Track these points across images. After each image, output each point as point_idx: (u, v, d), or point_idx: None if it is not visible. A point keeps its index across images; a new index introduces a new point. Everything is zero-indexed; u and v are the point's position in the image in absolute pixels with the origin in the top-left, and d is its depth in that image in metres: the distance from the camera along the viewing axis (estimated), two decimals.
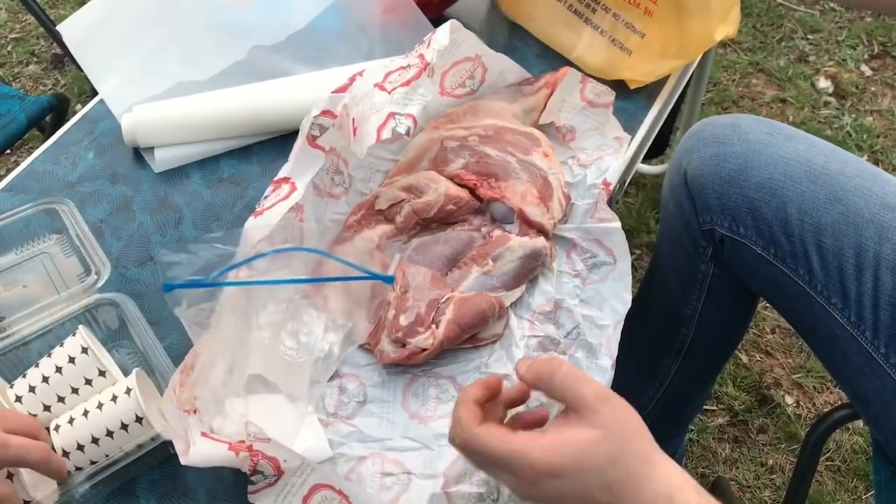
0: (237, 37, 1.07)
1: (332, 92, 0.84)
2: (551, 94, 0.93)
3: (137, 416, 0.65)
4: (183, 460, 0.61)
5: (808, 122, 1.96)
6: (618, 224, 0.85)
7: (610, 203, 0.96)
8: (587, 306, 0.84)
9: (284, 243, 0.72)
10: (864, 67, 2.09)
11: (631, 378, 1.13)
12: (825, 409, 1.47)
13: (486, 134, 0.90)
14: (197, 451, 0.61)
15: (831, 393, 1.50)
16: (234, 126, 0.98)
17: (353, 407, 0.77)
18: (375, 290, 0.82)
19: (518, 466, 0.54)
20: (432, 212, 0.85)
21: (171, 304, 0.66)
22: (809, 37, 2.16)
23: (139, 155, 0.99)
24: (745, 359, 1.54)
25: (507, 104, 0.94)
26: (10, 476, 0.63)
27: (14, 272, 0.80)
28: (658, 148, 1.69)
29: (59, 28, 1.10)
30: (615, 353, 0.82)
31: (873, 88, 2.04)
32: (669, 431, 1.20)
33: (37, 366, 0.69)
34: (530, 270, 0.84)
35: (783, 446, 1.43)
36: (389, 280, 0.69)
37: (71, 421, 0.65)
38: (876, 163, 1.86)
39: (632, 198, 1.80)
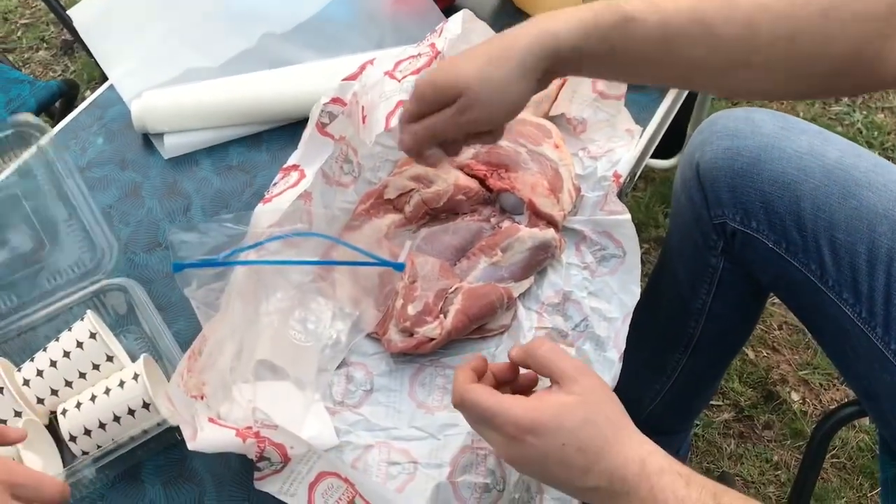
0: (247, 24, 1.07)
1: (342, 80, 0.84)
2: (562, 85, 0.93)
3: (144, 402, 0.65)
4: (190, 445, 0.61)
5: (818, 119, 1.95)
6: (628, 216, 0.85)
7: (620, 195, 0.96)
8: (596, 299, 0.84)
9: (294, 229, 0.72)
10: None
11: (638, 371, 1.12)
12: (831, 407, 1.46)
13: None
14: (204, 437, 0.61)
15: (838, 390, 1.49)
16: (244, 113, 0.98)
17: (359, 395, 0.77)
18: (384, 278, 0.82)
19: (502, 421, 0.58)
20: (441, 202, 0.85)
21: (181, 283, 0.66)
22: None
23: (148, 141, 0.99)
24: (751, 354, 1.53)
25: None
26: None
27: None
28: (674, 146, 1.67)
29: (70, 13, 1.10)
30: (623, 346, 0.81)
31: None
32: (676, 425, 1.20)
33: (45, 350, 0.69)
34: (539, 262, 0.83)
35: (788, 443, 1.43)
36: (400, 267, 0.68)
37: (78, 405, 0.65)
38: (887, 160, 1.84)
39: (640, 192, 1.80)
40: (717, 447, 1.42)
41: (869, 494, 1.36)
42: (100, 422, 0.65)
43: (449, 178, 0.86)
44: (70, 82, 1.40)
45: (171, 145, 0.97)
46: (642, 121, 0.99)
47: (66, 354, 0.68)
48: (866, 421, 1.42)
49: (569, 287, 0.84)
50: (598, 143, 0.93)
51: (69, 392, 0.67)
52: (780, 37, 0.62)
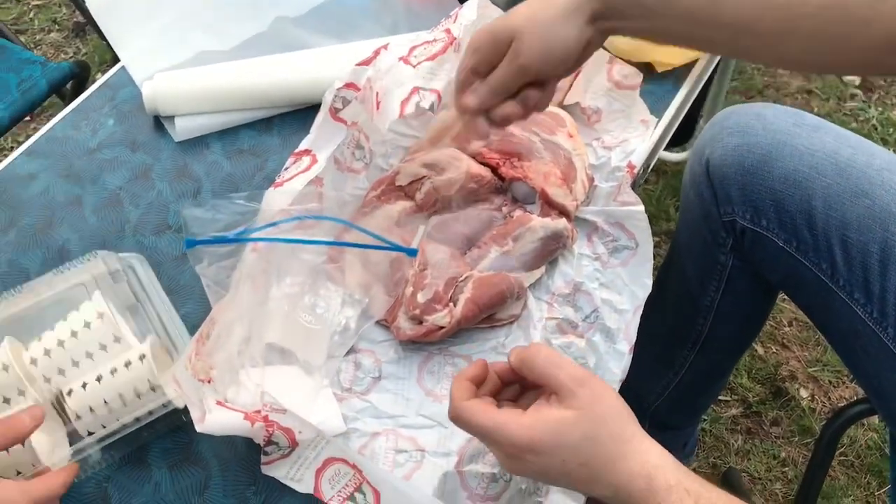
0: (260, 8, 1.06)
1: (356, 64, 0.83)
2: (577, 74, 0.92)
3: (150, 384, 0.65)
4: (199, 427, 0.61)
5: (833, 115, 1.93)
6: (641, 208, 0.84)
7: (633, 187, 0.95)
8: (607, 290, 0.83)
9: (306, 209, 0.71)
10: None
11: (646, 366, 1.11)
12: (840, 404, 1.45)
13: None
14: (213, 419, 0.61)
15: (847, 388, 1.48)
16: (256, 97, 0.97)
17: (367, 383, 0.77)
18: (394, 264, 0.81)
19: (499, 440, 0.58)
20: (453, 190, 0.84)
21: (193, 260, 0.65)
22: None
23: (159, 123, 0.99)
24: (760, 350, 1.53)
25: None
26: (21, 441, 0.62)
27: None
28: (684, 135, 1.66)
29: None
30: (633, 338, 0.81)
31: None
32: (682, 421, 1.19)
33: (52, 329, 0.69)
34: (551, 252, 0.83)
35: (796, 439, 1.42)
36: (413, 253, 0.68)
37: (84, 385, 0.65)
38: None
39: (652, 185, 1.79)
40: (725, 443, 1.42)
41: (877, 493, 1.36)
42: (105, 402, 0.65)
43: (461, 166, 0.85)
44: (82, 64, 1.40)
45: (182, 128, 0.96)
46: (657, 112, 0.98)
47: (74, 334, 0.68)
48: (875, 419, 1.41)
49: (580, 278, 0.83)
50: (612, 133, 0.92)
51: (76, 372, 0.67)
52: (829, 4, 0.60)
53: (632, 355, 0.80)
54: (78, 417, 0.64)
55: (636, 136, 0.90)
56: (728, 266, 0.94)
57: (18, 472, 0.64)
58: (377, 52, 0.85)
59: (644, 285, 0.83)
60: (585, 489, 0.60)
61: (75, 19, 2.18)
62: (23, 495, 0.58)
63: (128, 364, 0.66)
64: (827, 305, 0.85)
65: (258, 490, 0.70)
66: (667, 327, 1.06)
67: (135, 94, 1.00)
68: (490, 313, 0.79)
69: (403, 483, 0.66)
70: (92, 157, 0.96)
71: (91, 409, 0.64)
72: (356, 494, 0.66)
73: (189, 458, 0.73)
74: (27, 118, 1.55)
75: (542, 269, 0.83)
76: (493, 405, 0.60)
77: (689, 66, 1.03)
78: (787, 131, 0.86)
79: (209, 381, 0.67)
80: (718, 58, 1.13)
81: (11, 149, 0.98)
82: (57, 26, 2.21)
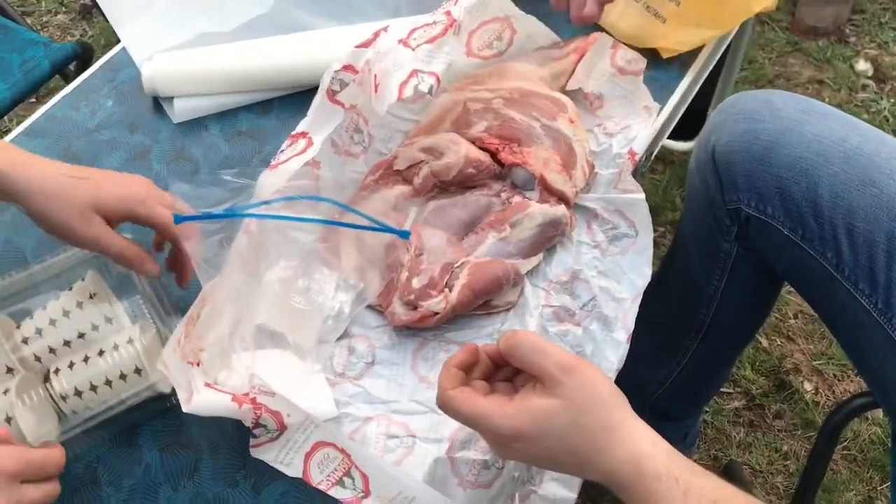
0: None
1: (355, 47, 0.82)
2: (580, 59, 0.91)
3: (137, 367, 0.65)
4: (185, 408, 0.60)
5: (844, 105, 1.91)
6: (642, 196, 0.83)
7: (635, 174, 0.94)
8: (605, 278, 0.82)
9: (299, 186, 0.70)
10: None
11: (648, 355, 1.11)
12: (844, 398, 1.44)
13: (511, 97, 0.87)
14: (200, 399, 0.60)
15: (851, 381, 1.47)
16: (255, 79, 0.97)
17: (361, 368, 0.76)
18: (389, 249, 0.80)
19: (484, 429, 0.58)
20: (451, 174, 0.83)
21: (182, 237, 0.64)
22: (852, 17, 2.09)
23: (158, 105, 0.98)
24: (765, 342, 1.51)
25: (534, 68, 0.91)
26: (8, 420, 0.62)
27: None
28: (693, 127, 1.64)
29: None
30: (631, 327, 0.80)
31: None
32: (684, 411, 1.18)
33: (44, 308, 0.69)
34: (549, 239, 0.82)
35: (799, 433, 1.41)
36: (405, 235, 0.67)
37: (71, 365, 0.65)
38: None
39: (658, 174, 1.77)
40: (727, 435, 1.41)
41: (879, 488, 1.34)
42: (91, 383, 0.64)
43: (460, 151, 0.84)
44: (85, 45, 1.39)
45: (181, 109, 0.96)
46: (661, 98, 0.97)
47: (66, 314, 0.68)
48: (880, 413, 1.40)
49: (578, 265, 0.83)
50: (614, 119, 0.91)
51: (67, 351, 0.67)
52: None
53: (629, 344, 0.79)
54: (63, 397, 0.64)
55: (638, 122, 0.88)
56: (732, 254, 0.93)
57: None
58: (377, 35, 0.84)
59: (643, 274, 0.82)
60: (577, 474, 0.61)
61: (82, 1, 2.18)
62: (10, 457, 0.57)
63: (115, 346, 0.65)
64: (831, 296, 0.84)
65: (248, 474, 0.70)
66: (670, 316, 1.05)
67: (135, 76, 1.00)
68: (486, 300, 0.78)
69: (392, 467, 0.66)
70: (90, 138, 0.95)
71: (77, 390, 0.64)
72: (345, 479, 0.65)
73: (180, 440, 0.72)
74: (32, 99, 1.55)
75: (540, 256, 0.82)
76: (480, 392, 0.60)
77: (694, 53, 1.01)
78: (795, 118, 0.84)
79: (198, 364, 0.66)
80: (726, 45, 1.11)
81: (13, 129, 0.98)
82: (64, 8, 2.21)
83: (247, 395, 0.64)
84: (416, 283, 0.77)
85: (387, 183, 0.85)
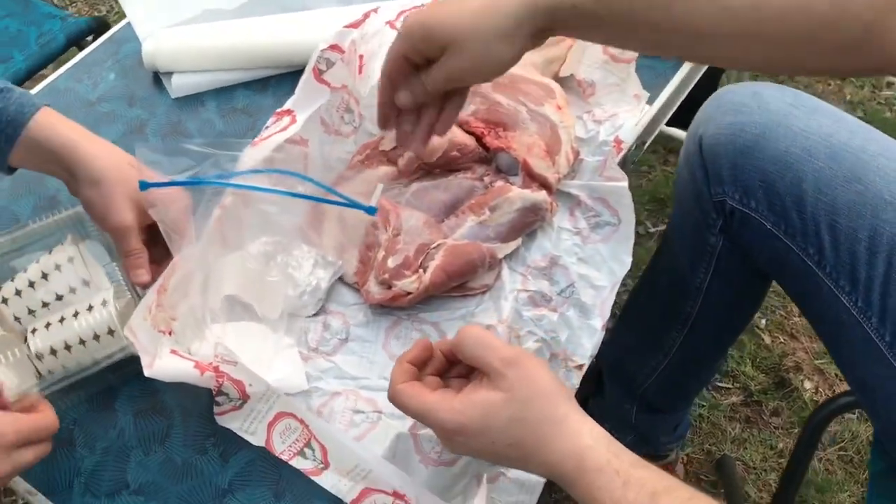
0: None
1: (344, 27, 0.83)
2: (571, 45, 0.90)
3: (110, 329, 0.66)
4: (147, 372, 0.62)
5: (866, 103, 1.88)
6: (625, 184, 0.83)
7: (625, 163, 0.94)
8: (585, 265, 0.82)
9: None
10: None
11: (635, 346, 1.11)
12: None
13: (499, 81, 0.87)
14: (161, 365, 0.62)
15: None
16: (253, 57, 0.98)
17: (334, 344, 0.78)
18: (370, 229, 0.81)
19: (430, 423, 0.59)
20: (435, 157, 0.84)
21: (147, 204, 0.66)
22: None
23: (158, 80, 1.00)
24: (767, 339, 1.50)
25: (527, 53, 0.91)
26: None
27: None
28: None
29: None
30: (608, 314, 0.80)
31: None
32: (672, 404, 1.18)
33: (25, 271, 0.71)
34: (528, 224, 0.82)
35: (796, 431, 1.40)
36: (371, 211, 0.67)
37: (47, 326, 0.67)
38: None
39: (671, 166, 1.76)
40: (722, 430, 1.40)
41: None
42: (66, 343, 0.66)
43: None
44: (101, 20, 1.42)
45: (179, 84, 0.97)
46: (656, 87, 0.96)
47: (45, 276, 0.70)
48: None
49: (558, 252, 0.83)
50: (604, 107, 0.91)
51: (45, 313, 0.69)
52: (792, 7, 0.59)
53: (604, 332, 0.80)
54: (39, 357, 0.66)
55: (627, 110, 0.88)
56: (718, 248, 0.92)
57: None
58: (366, 16, 0.85)
59: (623, 262, 0.82)
60: (521, 468, 0.61)
61: None
62: (10, 426, 0.59)
63: (90, 308, 0.67)
64: (812, 292, 0.83)
65: (217, 442, 0.72)
66: (657, 308, 1.05)
67: (137, 50, 1.01)
68: (461, 282, 0.79)
69: (349, 440, 0.67)
70: (90, 110, 0.97)
71: (52, 349, 0.66)
72: (305, 449, 0.67)
73: (154, 406, 0.74)
74: (45, 72, 1.58)
75: (519, 241, 0.82)
76: (428, 388, 0.61)
77: None
78: (783, 112, 0.83)
79: (169, 333, 0.68)
80: None
81: None
82: None
83: (210, 363, 0.65)
84: (392, 262, 0.78)
85: (372, 163, 0.86)
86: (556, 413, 0.57)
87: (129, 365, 0.71)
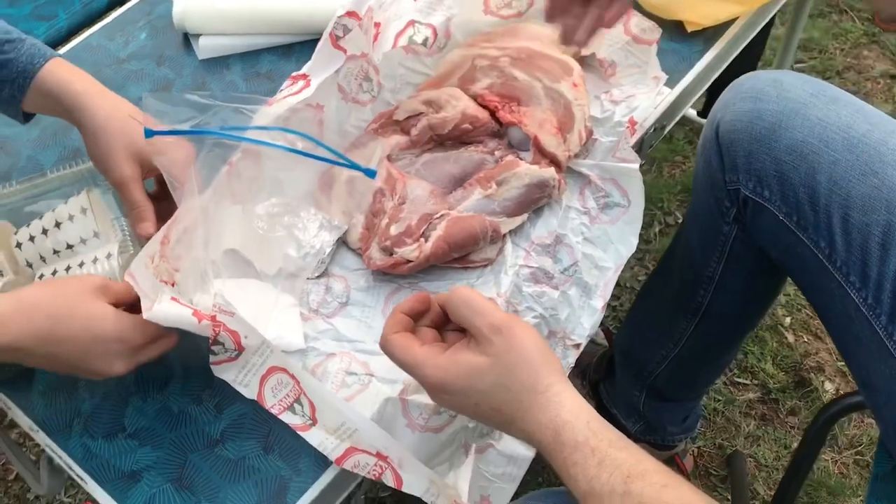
0: None
1: None
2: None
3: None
4: (145, 314, 0.63)
5: None
6: (636, 166, 0.83)
7: (642, 146, 0.93)
8: (590, 245, 0.82)
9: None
10: None
11: (646, 333, 1.11)
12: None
13: (518, 56, 0.87)
14: (160, 309, 0.63)
15: None
16: (279, 22, 0.99)
17: (334, 307, 0.79)
18: (377, 196, 0.82)
19: (416, 376, 0.61)
20: (447, 128, 0.84)
21: (154, 151, 0.67)
22: None
23: (188, 41, 1.02)
24: (790, 338, 1.47)
25: (549, 30, 0.91)
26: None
27: None
28: None
29: None
30: (608, 295, 0.80)
31: None
32: (681, 394, 1.17)
33: (40, 218, 0.73)
34: (535, 200, 0.82)
35: None
36: (371, 173, 0.68)
37: (54, 273, 0.69)
38: None
39: None
40: (736, 425, 1.39)
41: None
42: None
43: (458, 106, 0.85)
44: None
45: (206, 46, 0.99)
46: (680, 71, 0.96)
47: (58, 225, 0.72)
48: None
49: (563, 230, 0.83)
50: (622, 87, 0.90)
51: (55, 259, 0.71)
52: None
53: (604, 313, 0.80)
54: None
55: (644, 92, 0.87)
56: (731, 237, 0.91)
57: None
58: None
59: (629, 244, 0.82)
60: (503, 431, 0.62)
61: None
62: (138, 329, 0.65)
63: (95, 259, 0.69)
64: (822, 286, 0.82)
65: (213, 393, 0.73)
66: (669, 296, 1.04)
67: (169, 11, 1.03)
68: (462, 253, 0.79)
69: (336, 399, 0.68)
70: (119, 68, 1.00)
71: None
72: (295, 405, 0.68)
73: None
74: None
75: (524, 216, 0.82)
76: (425, 339, 0.62)
77: (722, 29, 0.99)
78: (802, 101, 0.82)
79: (172, 284, 0.69)
80: (762, 26, 1.08)
81: None
82: None
83: (209, 312, 0.67)
84: (394, 229, 0.78)
85: (385, 132, 0.87)
86: (538, 383, 0.58)
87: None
